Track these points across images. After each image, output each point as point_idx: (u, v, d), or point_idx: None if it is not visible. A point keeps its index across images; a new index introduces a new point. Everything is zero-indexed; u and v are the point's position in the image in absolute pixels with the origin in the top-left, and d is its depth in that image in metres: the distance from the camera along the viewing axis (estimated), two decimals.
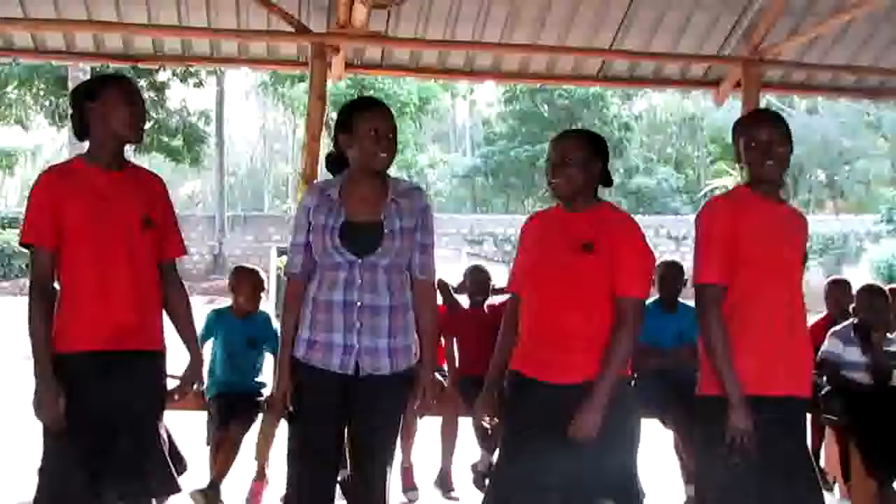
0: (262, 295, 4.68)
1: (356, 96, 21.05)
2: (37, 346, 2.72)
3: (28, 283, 2.80)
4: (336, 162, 3.00)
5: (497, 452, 3.08)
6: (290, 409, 2.89)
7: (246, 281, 4.64)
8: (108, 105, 2.78)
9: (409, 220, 2.89)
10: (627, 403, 2.91)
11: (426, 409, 3.08)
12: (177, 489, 2.92)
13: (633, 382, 3.14)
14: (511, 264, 3.18)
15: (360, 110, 2.91)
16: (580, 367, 2.84)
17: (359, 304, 2.82)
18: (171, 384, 3.04)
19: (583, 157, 2.91)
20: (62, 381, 2.74)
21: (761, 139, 2.81)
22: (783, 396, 2.75)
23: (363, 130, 2.84)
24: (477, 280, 5.01)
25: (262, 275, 4.72)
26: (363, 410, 2.87)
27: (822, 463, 4.93)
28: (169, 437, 3.12)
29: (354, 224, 2.85)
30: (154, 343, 2.91)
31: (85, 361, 2.73)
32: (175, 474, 2.89)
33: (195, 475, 4.37)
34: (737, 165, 2.98)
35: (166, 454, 2.89)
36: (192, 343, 3.09)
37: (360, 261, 2.82)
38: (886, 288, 4.81)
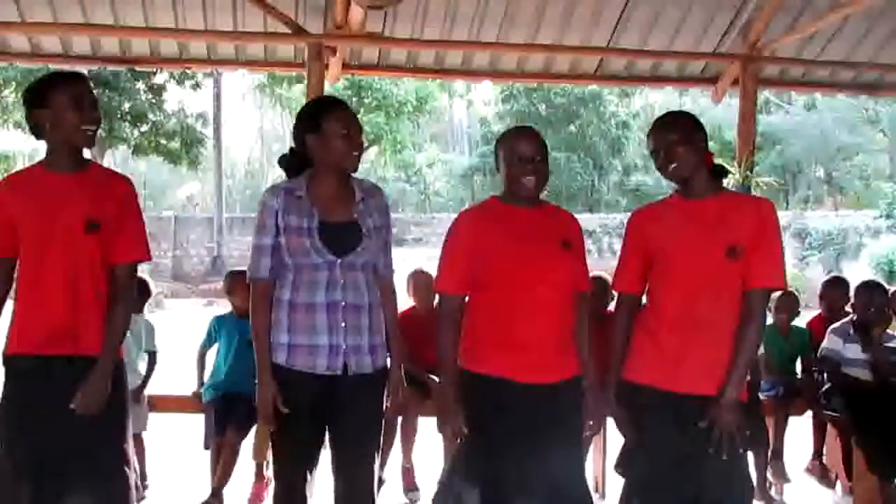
0: None
1: (354, 98, 21.11)
2: None
3: None
4: (294, 162, 2.96)
5: (460, 453, 2.97)
6: (283, 411, 2.86)
7: (239, 282, 4.69)
8: (56, 111, 2.71)
9: (378, 219, 2.92)
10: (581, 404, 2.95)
11: (400, 409, 3.06)
12: None
13: None
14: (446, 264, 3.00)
15: (330, 110, 2.88)
16: (559, 366, 2.87)
17: (343, 303, 2.81)
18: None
19: (546, 153, 2.92)
20: (8, 384, 2.74)
21: (657, 147, 2.85)
22: (681, 394, 2.74)
23: (334, 130, 2.83)
24: None
25: None
26: (346, 409, 2.85)
27: (824, 460, 4.93)
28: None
29: (330, 224, 2.83)
30: (92, 349, 2.76)
31: (24, 364, 2.71)
32: (129, 497, 2.78)
33: (194, 479, 4.38)
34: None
35: (126, 473, 2.77)
36: (105, 352, 2.79)
37: (339, 261, 2.81)
38: (890, 290, 4.79)
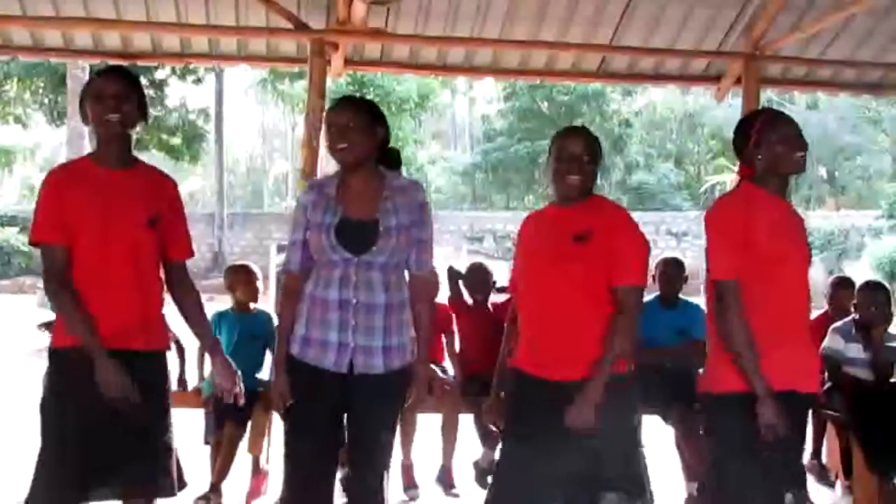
0: (259, 286, 4.75)
1: (356, 94, 21.12)
2: (81, 332, 2.70)
3: (44, 282, 2.77)
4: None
5: (499, 450, 3.08)
6: (289, 403, 2.88)
7: (239, 275, 4.79)
8: (87, 108, 2.83)
9: (405, 217, 2.87)
10: (629, 398, 2.90)
11: (420, 404, 3.08)
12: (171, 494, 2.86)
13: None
14: (511, 266, 3.17)
15: (329, 111, 2.96)
16: (582, 363, 2.83)
17: (354, 301, 2.80)
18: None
19: (594, 153, 2.91)
20: (62, 376, 2.74)
21: (790, 133, 2.80)
22: (804, 393, 2.77)
23: (326, 129, 2.91)
24: (477, 278, 4.98)
25: (254, 268, 4.83)
26: (358, 410, 2.86)
27: (823, 459, 4.93)
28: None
29: (350, 222, 2.83)
30: (155, 343, 2.89)
31: (86, 359, 2.70)
32: (174, 485, 2.85)
33: (194, 474, 4.37)
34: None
35: (173, 461, 2.85)
36: (208, 338, 3.14)
37: (355, 259, 2.81)
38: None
